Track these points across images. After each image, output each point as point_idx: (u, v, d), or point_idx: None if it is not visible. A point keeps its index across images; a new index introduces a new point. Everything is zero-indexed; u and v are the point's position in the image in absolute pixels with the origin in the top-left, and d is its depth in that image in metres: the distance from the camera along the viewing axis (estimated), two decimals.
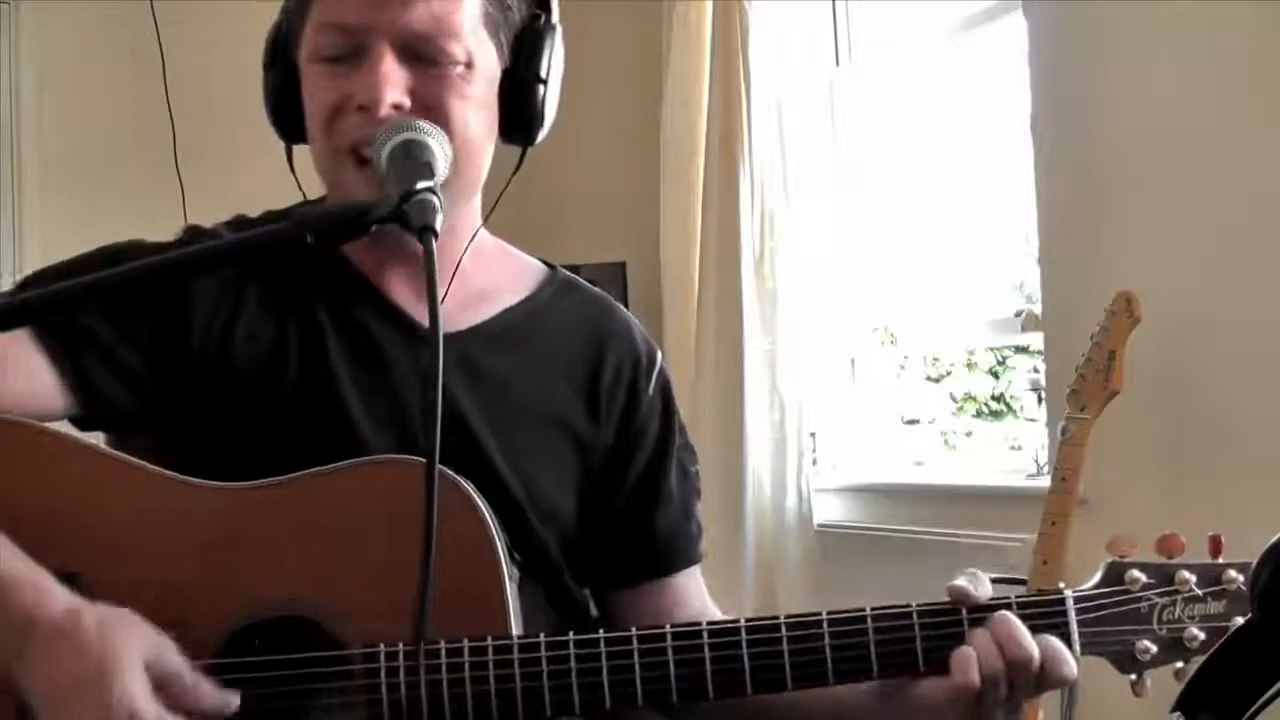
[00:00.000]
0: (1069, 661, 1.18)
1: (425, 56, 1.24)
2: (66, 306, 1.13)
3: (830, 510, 3.23)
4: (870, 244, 3.35)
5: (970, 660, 1.16)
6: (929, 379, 3.38)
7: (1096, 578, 1.22)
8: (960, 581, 1.21)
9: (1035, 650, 1.16)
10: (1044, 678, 1.17)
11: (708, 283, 3.20)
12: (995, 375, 3.32)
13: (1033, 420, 3.34)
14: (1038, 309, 2.73)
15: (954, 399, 3.37)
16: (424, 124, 1.18)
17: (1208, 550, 1.24)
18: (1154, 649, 1.21)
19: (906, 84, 3.25)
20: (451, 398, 1.28)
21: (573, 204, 3.69)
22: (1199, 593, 1.21)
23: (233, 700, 1.13)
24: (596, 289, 1.49)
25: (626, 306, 3.67)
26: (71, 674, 1.08)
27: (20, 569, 1.14)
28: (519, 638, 1.18)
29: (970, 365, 3.34)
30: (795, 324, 3.19)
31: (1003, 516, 2.65)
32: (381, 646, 1.16)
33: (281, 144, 1.36)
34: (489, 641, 1.17)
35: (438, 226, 1.04)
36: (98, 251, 1.29)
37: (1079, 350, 2.19)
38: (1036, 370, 3.07)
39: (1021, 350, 3.20)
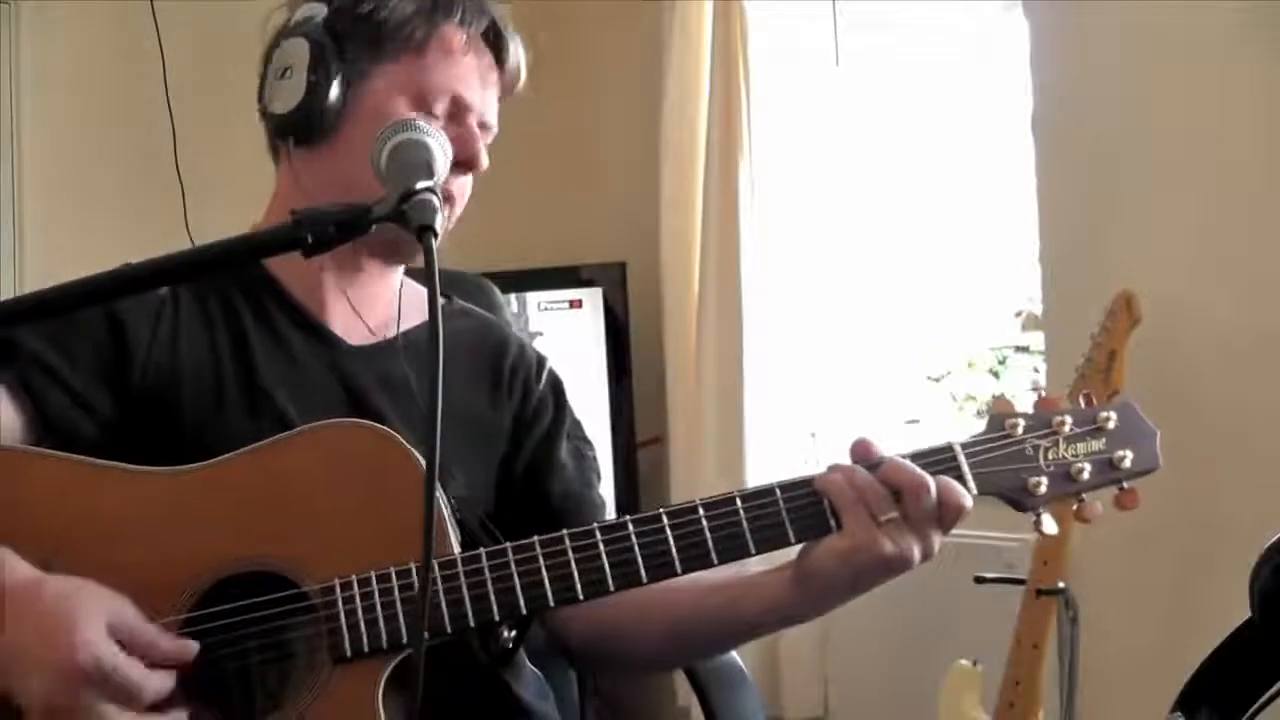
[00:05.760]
0: (962, 490, 1.26)
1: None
2: (12, 322, 1.16)
3: None
4: (870, 244, 3.35)
5: (837, 485, 1.24)
6: (929, 379, 3.37)
7: (981, 429, 1.31)
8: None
9: (926, 475, 1.24)
10: (943, 507, 1.25)
11: (708, 283, 3.20)
12: (995, 375, 3.31)
13: None
14: (1038, 309, 2.73)
15: (954, 399, 3.36)
16: (423, 124, 1.19)
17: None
18: (1045, 482, 1.28)
19: (906, 84, 3.25)
20: (371, 404, 1.41)
21: (573, 204, 3.69)
22: (1078, 431, 1.29)
23: (191, 646, 1.20)
24: (485, 313, 1.65)
25: (626, 306, 3.69)
26: (34, 636, 1.14)
27: None
28: (460, 555, 1.25)
29: (970, 365, 3.33)
30: (795, 324, 3.19)
31: (1003, 516, 2.64)
32: (336, 581, 1.23)
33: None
34: (398, 567, 1.23)
35: (438, 226, 1.05)
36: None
37: (1079, 350, 2.19)
38: (1036, 370, 3.07)
39: (1022, 350, 3.20)
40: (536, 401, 1.55)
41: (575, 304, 3.36)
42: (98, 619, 1.15)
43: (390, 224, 1.07)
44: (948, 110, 3.17)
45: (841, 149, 3.32)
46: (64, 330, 1.34)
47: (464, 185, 1.46)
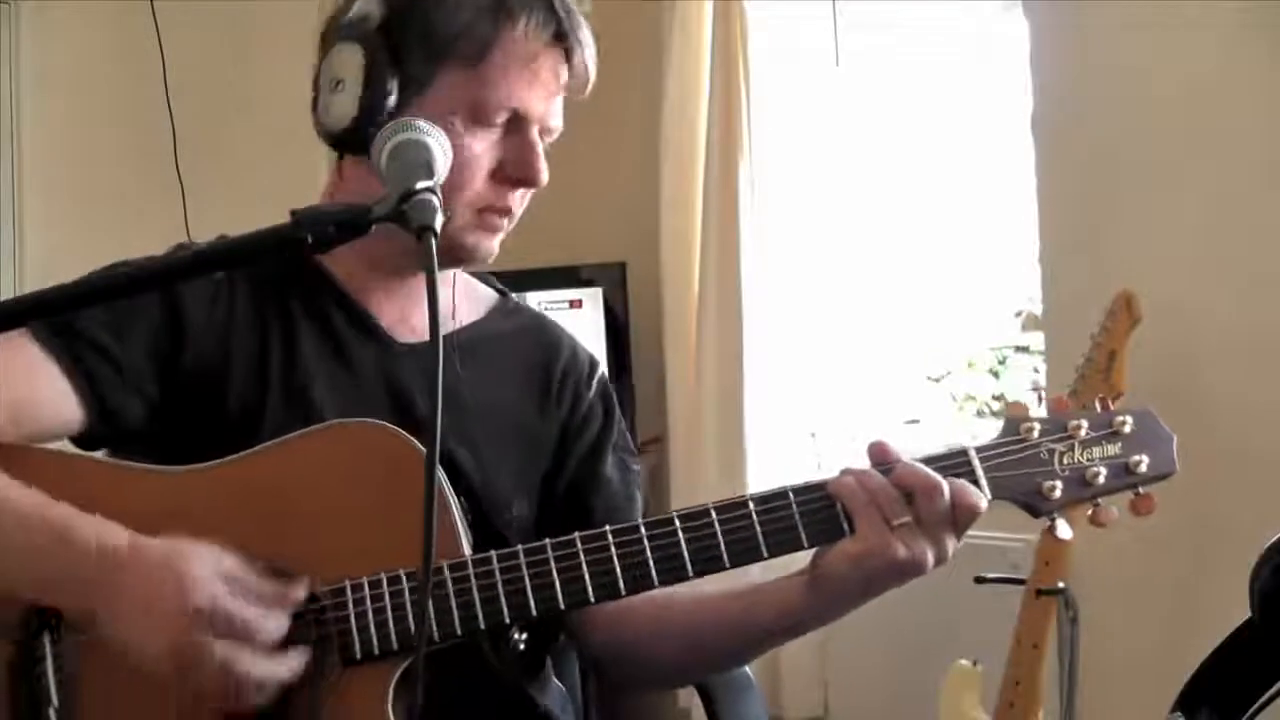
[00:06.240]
0: (976, 492, 1.24)
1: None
2: (72, 306, 1.16)
3: None
4: (870, 243, 3.35)
5: (850, 488, 1.23)
6: (929, 379, 3.38)
7: (996, 433, 1.29)
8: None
9: (939, 477, 1.23)
10: (957, 509, 1.23)
11: (708, 283, 3.20)
12: (995, 375, 3.31)
13: None
14: (1038, 309, 2.73)
15: (954, 399, 3.36)
16: (423, 124, 1.17)
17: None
18: (1060, 486, 1.27)
19: (906, 84, 3.25)
20: (415, 405, 1.37)
21: (573, 204, 3.68)
22: (1094, 435, 1.28)
23: (298, 591, 1.20)
24: (540, 312, 1.62)
25: (626, 306, 3.67)
26: (147, 591, 1.15)
27: (75, 514, 1.20)
28: (471, 558, 1.24)
29: (970, 365, 3.33)
30: (795, 324, 3.19)
31: (1003, 516, 2.64)
32: (346, 582, 1.22)
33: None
34: (408, 570, 1.22)
35: (437, 226, 1.04)
36: (101, 271, 1.33)
37: (1079, 350, 2.19)
38: (1036, 370, 3.07)
39: (1022, 350, 3.20)
40: (586, 409, 1.51)
41: (575, 304, 3.36)
42: (210, 570, 1.16)
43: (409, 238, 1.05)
44: (948, 110, 3.17)
45: (841, 149, 3.32)
46: (119, 309, 1.32)
47: (520, 198, 1.41)
